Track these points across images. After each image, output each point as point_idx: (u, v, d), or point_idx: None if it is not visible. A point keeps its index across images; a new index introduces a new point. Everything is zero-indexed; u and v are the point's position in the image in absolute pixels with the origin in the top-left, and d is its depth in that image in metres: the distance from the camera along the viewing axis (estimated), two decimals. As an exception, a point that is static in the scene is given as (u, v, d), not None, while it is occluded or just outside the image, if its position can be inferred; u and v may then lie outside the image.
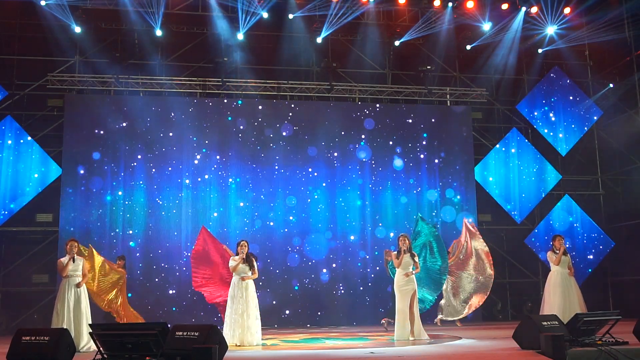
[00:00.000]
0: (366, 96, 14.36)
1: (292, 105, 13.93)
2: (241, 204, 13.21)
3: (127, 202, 12.82)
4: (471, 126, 14.57)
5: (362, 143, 13.90)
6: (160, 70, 13.84)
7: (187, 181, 13.09)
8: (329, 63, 13.89)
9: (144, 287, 12.45)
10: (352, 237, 13.47)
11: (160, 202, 12.94)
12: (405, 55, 14.74)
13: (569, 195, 14.60)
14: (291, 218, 13.32)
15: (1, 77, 13.08)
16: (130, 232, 12.73)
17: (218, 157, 13.31)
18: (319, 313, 12.97)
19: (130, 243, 12.66)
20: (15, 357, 5.75)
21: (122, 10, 12.94)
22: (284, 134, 13.65)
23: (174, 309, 12.43)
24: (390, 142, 14.02)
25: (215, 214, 13.07)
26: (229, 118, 13.51)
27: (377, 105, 14.27)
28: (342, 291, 13.19)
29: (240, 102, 13.72)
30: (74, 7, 12.68)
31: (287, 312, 12.84)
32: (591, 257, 14.35)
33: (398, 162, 13.97)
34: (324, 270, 13.19)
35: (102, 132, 12.97)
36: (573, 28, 14.30)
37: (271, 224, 13.24)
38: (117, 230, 12.68)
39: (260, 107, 13.74)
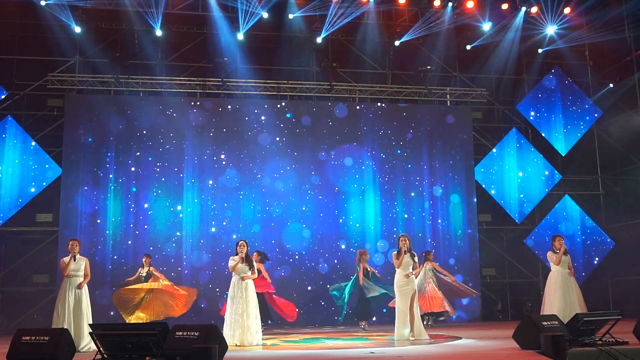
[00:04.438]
0: (366, 96, 14.36)
1: (292, 105, 13.93)
2: (241, 205, 13.21)
3: (126, 202, 12.82)
4: (471, 126, 14.57)
5: (361, 143, 13.89)
6: (160, 70, 13.84)
7: (186, 177, 13.08)
8: (329, 63, 13.88)
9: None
10: (350, 236, 13.49)
11: (160, 202, 12.93)
12: (405, 55, 14.73)
13: (569, 195, 14.60)
14: (288, 222, 13.30)
15: (1, 77, 13.08)
16: (130, 232, 12.73)
17: (217, 156, 13.31)
18: (319, 311, 12.97)
19: (130, 243, 12.66)
20: (15, 357, 5.75)
21: (122, 10, 12.95)
22: (284, 134, 13.64)
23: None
24: (390, 142, 14.01)
25: (221, 212, 13.11)
26: (246, 116, 13.52)
27: (377, 105, 14.27)
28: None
29: (289, 115, 13.69)
30: (74, 7, 12.68)
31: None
32: (591, 257, 14.35)
33: (398, 162, 13.97)
34: (323, 265, 13.24)
35: (102, 132, 12.97)
36: (573, 28, 14.30)
37: (273, 224, 13.25)
38: (118, 230, 12.68)
39: (260, 107, 13.72)
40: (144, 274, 10.93)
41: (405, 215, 13.80)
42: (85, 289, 8.12)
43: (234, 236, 12.68)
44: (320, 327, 12.48)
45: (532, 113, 14.75)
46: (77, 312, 7.90)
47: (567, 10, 13.91)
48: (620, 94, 14.77)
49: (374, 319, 11.40)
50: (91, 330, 5.84)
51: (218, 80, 13.62)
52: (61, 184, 12.63)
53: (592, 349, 6.12)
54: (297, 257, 13.19)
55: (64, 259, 8.17)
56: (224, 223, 13.09)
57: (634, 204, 14.21)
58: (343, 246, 13.41)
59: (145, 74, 13.61)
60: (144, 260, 11.11)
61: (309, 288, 13.09)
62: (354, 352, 7.12)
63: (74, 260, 8.09)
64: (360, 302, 11.11)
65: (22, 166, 12.61)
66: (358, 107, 14.17)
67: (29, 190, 12.55)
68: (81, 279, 8.09)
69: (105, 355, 5.72)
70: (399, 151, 14.01)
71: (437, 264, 11.98)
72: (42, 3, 12.46)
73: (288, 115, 13.74)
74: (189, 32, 13.94)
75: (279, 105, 13.85)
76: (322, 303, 13.02)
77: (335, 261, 13.28)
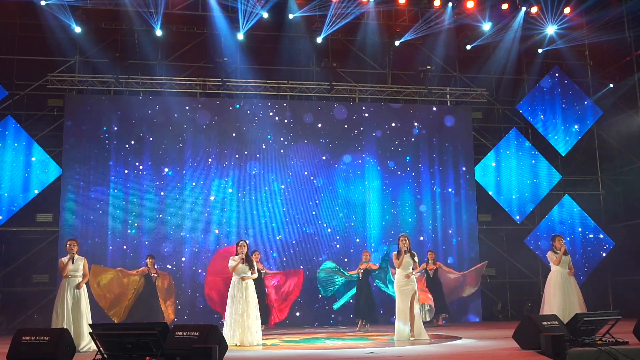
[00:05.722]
0: (366, 96, 14.36)
1: (292, 105, 13.93)
2: (241, 206, 13.21)
3: (126, 203, 12.81)
4: (471, 126, 14.57)
5: (361, 143, 13.88)
6: (160, 70, 13.84)
7: (187, 177, 13.08)
8: (329, 63, 13.89)
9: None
10: (350, 236, 13.48)
11: (160, 202, 12.94)
12: (405, 55, 14.72)
13: (569, 195, 14.60)
14: (288, 222, 13.28)
15: (1, 77, 13.07)
16: (130, 232, 12.73)
17: (217, 156, 13.30)
18: (319, 311, 12.96)
19: (131, 243, 12.66)
20: (15, 357, 5.75)
21: (122, 10, 12.95)
22: (284, 134, 13.63)
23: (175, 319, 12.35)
24: (390, 142, 14.01)
25: (221, 212, 13.10)
26: (234, 108, 13.52)
27: (377, 105, 14.27)
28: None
29: (238, 106, 13.67)
30: (74, 7, 12.68)
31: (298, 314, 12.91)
32: (591, 257, 14.35)
33: (398, 162, 13.97)
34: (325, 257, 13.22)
35: (101, 132, 12.98)
36: (573, 28, 14.30)
37: (272, 225, 13.24)
38: (118, 230, 12.67)
39: (260, 107, 13.72)
40: (152, 276, 10.97)
41: (405, 215, 13.79)
42: (84, 288, 8.11)
43: (234, 236, 12.67)
44: (319, 327, 12.48)
45: (532, 113, 14.74)
46: (76, 312, 7.89)
47: (567, 10, 13.91)
48: (620, 94, 14.77)
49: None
50: (91, 330, 5.84)
51: (218, 80, 13.62)
52: (61, 183, 12.63)
53: (592, 349, 6.12)
54: (297, 257, 13.17)
55: (62, 259, 8.16)
56: (223, 224, 13.07)
57: (634, 204, 14.21)
58: (343, 246, 13.40)
59: (145, 74, 13.61)
60: (147, 261, 11.11)
61: (309, 288, 13.07)
62: (354, 352, 7.12)
63: (72, 262, 8.08)
64: (367, 301, 11.18)
65: (22, 166, 12.60)
66: (358, 107, 14.17)
67: (29, 190, 12.54)
68: (79, 279, 8.07)
69: (105, 355, 5.71)
70: (398, 151, 14.01)
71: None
72: (42, 3, 12.45)
73: (287, 108, 13.74)
74: (189, 32, 13.94)
75: (279, 105, 13.85)
76: (321, 304, 13.02)
77: (335, 262, 13.23)
